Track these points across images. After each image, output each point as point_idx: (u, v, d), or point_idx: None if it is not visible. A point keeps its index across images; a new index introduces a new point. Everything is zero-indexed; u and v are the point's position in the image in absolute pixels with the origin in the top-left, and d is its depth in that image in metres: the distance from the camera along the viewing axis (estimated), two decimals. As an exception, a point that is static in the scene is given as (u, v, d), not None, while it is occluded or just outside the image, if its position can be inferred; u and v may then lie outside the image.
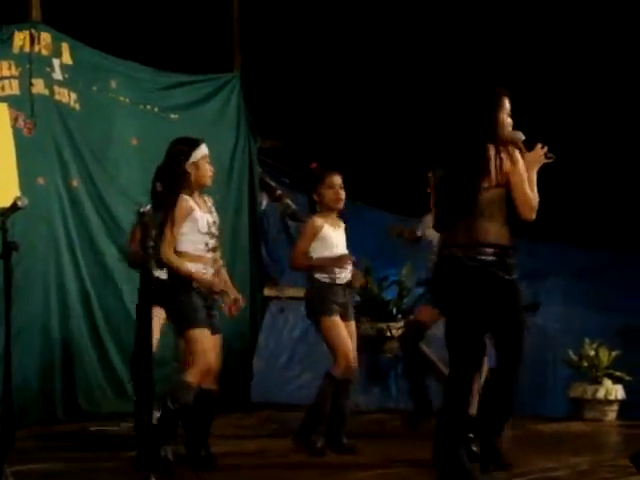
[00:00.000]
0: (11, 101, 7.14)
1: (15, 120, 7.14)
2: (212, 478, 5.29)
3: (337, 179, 6.06)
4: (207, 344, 5.30)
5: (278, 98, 8.83)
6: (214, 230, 5.49)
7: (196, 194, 5.48)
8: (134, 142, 7.83)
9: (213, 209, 5.56)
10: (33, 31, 7.22)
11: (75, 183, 7.49)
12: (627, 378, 7.72)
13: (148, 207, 5.17)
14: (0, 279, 5.01)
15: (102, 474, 5.34)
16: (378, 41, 8.91)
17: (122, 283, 7.54)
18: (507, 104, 5.03)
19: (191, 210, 5.38)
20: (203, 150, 5.51)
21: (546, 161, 5.02)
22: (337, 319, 5.90)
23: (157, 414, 5.97)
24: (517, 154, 4.91)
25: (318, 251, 5.97)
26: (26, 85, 7.19)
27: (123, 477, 5.16)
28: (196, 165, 5.45)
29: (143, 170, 7.78)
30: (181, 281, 5.34)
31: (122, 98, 7.81)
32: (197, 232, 5.39)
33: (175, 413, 5.26)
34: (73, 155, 7.47)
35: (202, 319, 5.31)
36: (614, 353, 7.73)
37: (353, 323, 6.07)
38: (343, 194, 6.05)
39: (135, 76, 7.93)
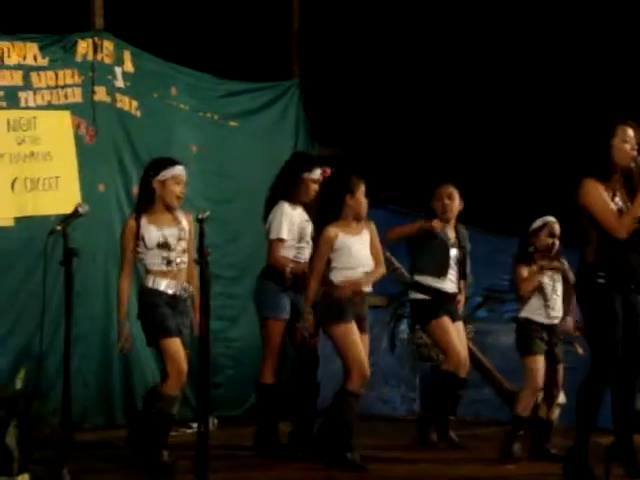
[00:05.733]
0: (74, 109, 7.25)
1: (77, 127, 7.25)
2: None
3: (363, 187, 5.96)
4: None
5: (336, 105, 8.83)
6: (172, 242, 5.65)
7: (162, 211, 5.70)
8: (194, 149, 7.88)
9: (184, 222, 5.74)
10: (96, 39, 7.33)
11: (136, 190, 7.49)
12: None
13: (207, 213, 5.20)
14: (61, 285, 5.09)
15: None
16: (435, 49, 8.90)
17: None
18: (625, 132, 5.29)
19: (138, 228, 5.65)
20: (171, 171, 5.69)
21: None
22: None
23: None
24: None
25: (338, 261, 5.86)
26: (88, 93, 7.30)
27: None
28: (162, 184, 5.66)
29: (202, 177, 7.85)
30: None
31: (182, 105, 7.87)
32: (145, 248, 5.62)
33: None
34: (134, 162, 7.53)
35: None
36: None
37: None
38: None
39: (195, 84, 7.99)
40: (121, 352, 5.84)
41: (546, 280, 6.28)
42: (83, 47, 7.30)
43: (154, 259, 5.64)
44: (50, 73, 7.18)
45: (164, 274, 5.63)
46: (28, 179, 7.03)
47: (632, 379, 5.42)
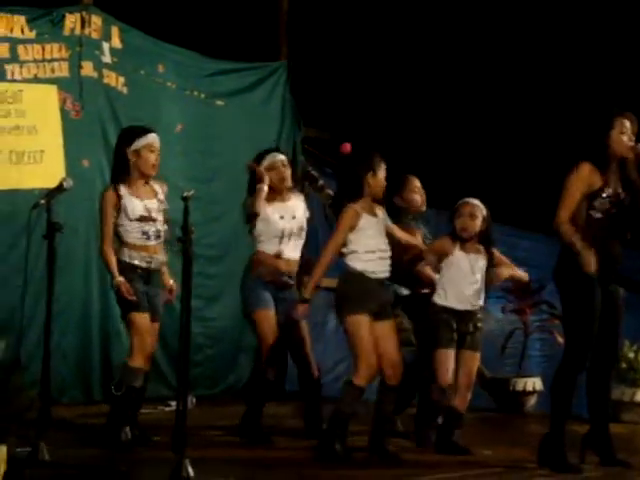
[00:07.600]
0: (60, 83, 7.22)
1: (63, 102, 7.23)
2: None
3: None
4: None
5: (325, 88, 8.83)
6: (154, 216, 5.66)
7: (140, 182, 5.66)
8: (179, 128, 7.86)
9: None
10: (84, 14, 7.29)
11: (120, 166, 7.53)
12: (666, 382, 7.65)
13: (192, 192, 5.19)
14: (43, 259, 5.09)
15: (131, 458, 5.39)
16: (428, 28, 8.91)
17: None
18: (623, 124, 5.28)
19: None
20: (144, 140, 5.64)
21: None
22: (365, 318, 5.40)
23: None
24: None
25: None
26: (75, 68, 7.27)
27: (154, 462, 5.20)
28: (137, 154, 5.62)
29: (185, 155, 7.84)
30: None
31: (169, 83, 7.85)
32: (126, 219, 5.59)
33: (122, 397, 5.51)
34: (119, 138, 7.51)
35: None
36: (653, 356, 7.67)
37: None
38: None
39: (183, 62, 7.96)
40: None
41: (464, 263, 5.87)
42: (71, 21, 7.26)
43: (133, 232, 5.62)
44: (37, 46, 7.15)
45: (140, 247, 5.62)
46: (13, 152, 7.01)
47: (608, 368, 5.46)
